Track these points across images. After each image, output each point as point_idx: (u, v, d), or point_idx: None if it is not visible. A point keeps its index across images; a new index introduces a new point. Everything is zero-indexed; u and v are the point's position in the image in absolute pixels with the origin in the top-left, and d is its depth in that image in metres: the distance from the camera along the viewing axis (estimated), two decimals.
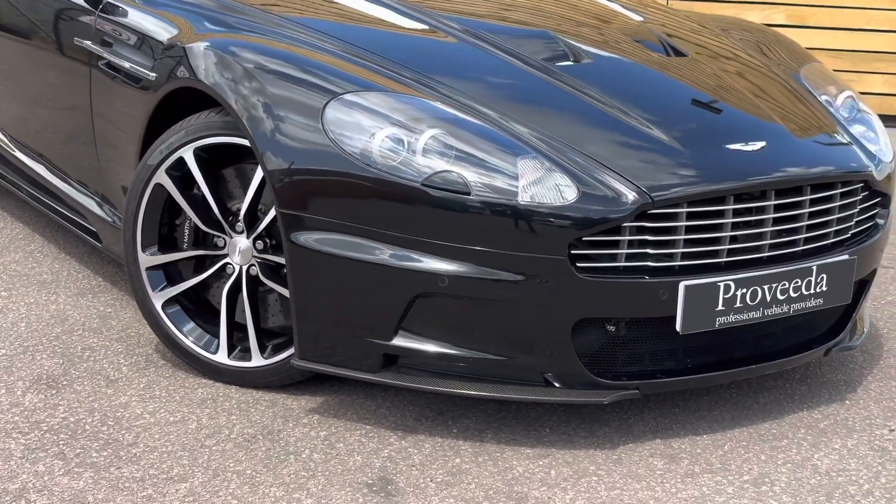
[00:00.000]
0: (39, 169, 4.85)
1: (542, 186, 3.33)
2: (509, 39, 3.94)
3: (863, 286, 3.90)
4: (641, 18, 4.40)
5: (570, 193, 3.32)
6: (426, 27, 3.99)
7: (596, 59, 3.91)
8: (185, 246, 3.84)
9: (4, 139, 5.13)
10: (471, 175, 3.31)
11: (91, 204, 4.47)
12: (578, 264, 3.33)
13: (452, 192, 3.31)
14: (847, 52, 8.42)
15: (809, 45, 8.28)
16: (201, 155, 3.73)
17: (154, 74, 3.93)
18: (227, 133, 3.66)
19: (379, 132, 3.39)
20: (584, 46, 3.97)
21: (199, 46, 3.76)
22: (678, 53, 4.06)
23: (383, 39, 3.93)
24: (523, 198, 3.30)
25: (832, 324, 3.85)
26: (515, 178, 3.32)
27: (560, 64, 3.82)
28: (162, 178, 3.78)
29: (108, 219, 4.33)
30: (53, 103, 4.66)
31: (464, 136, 3.39)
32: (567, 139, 3.46)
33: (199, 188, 3.76)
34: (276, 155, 3.46)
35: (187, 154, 3.72)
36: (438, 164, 3.34)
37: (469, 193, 3.30)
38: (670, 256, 3.40)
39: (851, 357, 4.20)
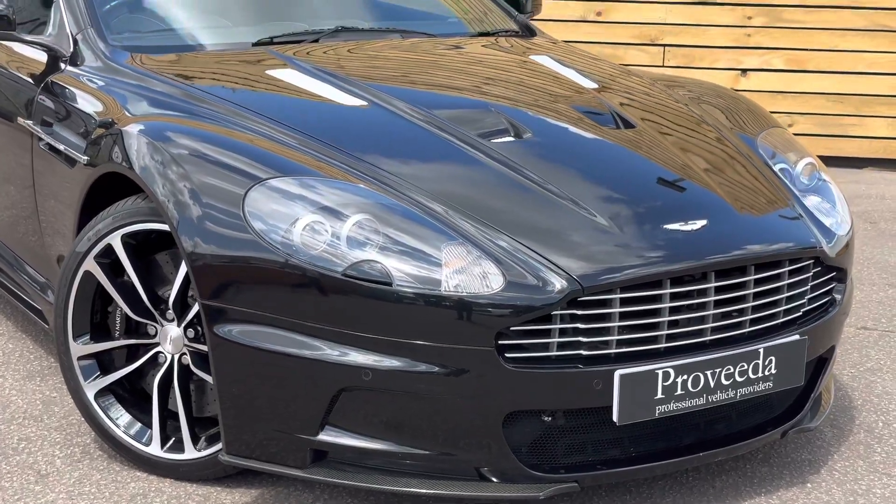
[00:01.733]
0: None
1: (468, 275, 3.20)
2: (451, 115, 3.80)
3: (822, 363, 3.73)
4: (596, 86, 4.25)
5: (496, 282, 3.18)
6: (364, 103, 3.86)
7: (537, 133, 3.76)
8: (117, 334, 3.73)
9: None
10: (394, 264, 3.18)
11: (35, 283, 4.38)
12: (507, 355, 3.18)
13: (374, 283, 3.18)
14: (848, 95, 8.26)
15: (809, 89, 8.13)
16: (130, 242, 3.62)
17: (86, 158, 3.84)
18: (154, 220, 3.55)
19: (301, 220, 3.27)
20: (527, 121, 3.83)
21: (127, 130, 3.66)
22: (627, 125, 3.91)
23: (317, 118, 3.81)
24: (447, 287, 3.17)
25: (790, 403, 3.68)
26: (440, 266, 3.19)
27: (498, 140, 3.68)
28: (91, 265, 3.67)
29: (50, 299, 4.23)
30: (7, 183, 4.58)
31: (390, 221, 3.26)
32: (496, 222, 3.33)
33: (128, 275, 3.65)
34: (198, 244, 3.34)
35: (115, 241, 3.62)
36: (361, 253, 3.21)
37: (391, 284, 3.17)
38: (605, 344, 3.25)
39: (819, 432, 4.03)
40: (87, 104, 4.01)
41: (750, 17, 8.13)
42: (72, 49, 4.28)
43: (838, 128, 8.18)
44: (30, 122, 4.22)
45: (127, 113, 3.83)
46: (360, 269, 3.20)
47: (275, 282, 3.28)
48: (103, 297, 3.73)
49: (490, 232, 3.29)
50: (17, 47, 4.56)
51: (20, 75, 4.47)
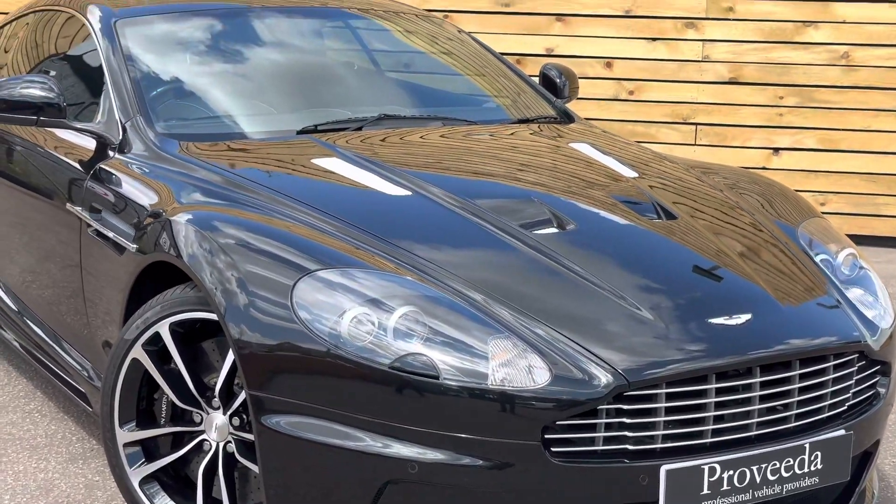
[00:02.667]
0: (35, 325, 4.83)
1: (514, 368, 3.22)
2: (493, 205, 3.84)
3: (867, 457, 3.73)
4: (636, 175, 4.29)
5: (542, 376, 3.20)
6: (408, 192, 3.90)
7: (581, 225, 3.79)
8: (162, 421, 3.76)
9: (2, 293, 5.13)
10: (440, 357, 3.21)
11: (79, 366, 4.42)
12: (553, 449, 3.20)
13: (421, 376, 3.20)
14: (881, 175, 8.28)
15: (842, 168, 8.15)
16: (177, 329, 3.66)
17: (135, 246, 3.88)
18: (202, 308, 3.59)
19: (348, 312, 3.30)
20: (569, 211, 3.86)
21: (175, 219, 3.71)
22: (668, 215, 3.94)
23: (362, 207, 3.85)
24: (494, 381, 3.19)
25: (835, 498, 3.67)
26: (486, 359, 3.21)
27: (540, 231, 3.71)
28: (138, 353, 3.71)
29: (96, 383, 4.27)
30: (50, 262, 4.64)
31: (436, 313, 3.29)
32: (540, 314, 3.35)
33: (175, 363, 3.68)
34: (245, 332, 3.38)
35: (163, 329, 3.66)
36: (408, 345, 3.24)
37: (438, 377, 3.20)
38: (651, 438, 3.26)
39: None
40: (137, 192, 4.06)
41: (781, 97, 8.18)
42: (121, 136, 4.35)
43: (871, 207, 8.19)
44: (78, 209, 4.28)
45: (175, 201, 3.88)
46: (407, 362, 3.22)
47: (321, 372, 3.30)
48: (150, 383, 3.76)
49: (534, 324, 3.31)
50: (65, 133, 4.63)
51: (69, 161, 4.54)
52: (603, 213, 3.93)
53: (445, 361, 3.21)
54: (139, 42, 4.73)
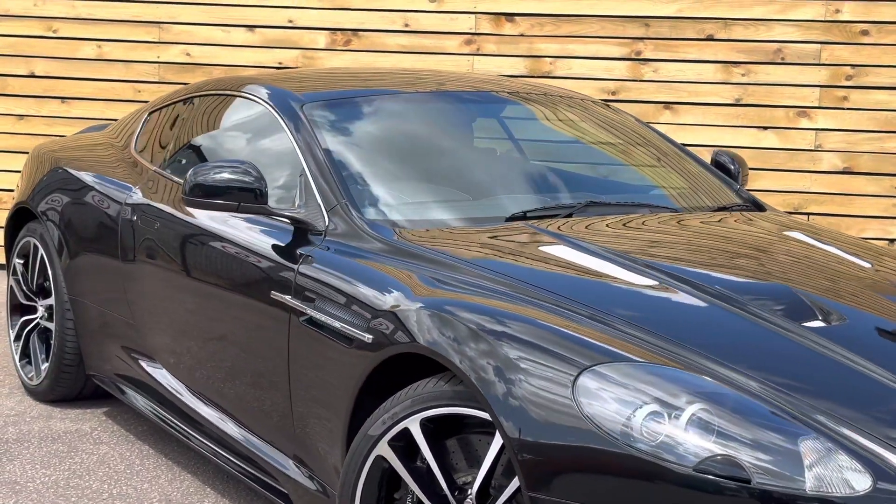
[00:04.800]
0: (214, 418, 4.63)
1: (829, 472, 3.03)
2: (748, 296, 3.68)
3: None
4: (869, 265, 4.14)
5: (861, 482, 3.02)
6: (654, 283, 3.75)
7: (847, 316, 3.63)
8: None
9: (174, 385, 4.94)
10: (749, 460, 3.03)
11: (280, 463, 4.22)
12: None
13: (729, 479, 3.02)
14: None
15: None
16: (427, 425, 3.48)
17: (369, 337, 3.71)
18: (459, 404, 3.41)
19: (641, 408, 3.12)
20: (827, 302, 3.71)
21: (420, 308, 3.54)
22: None
23: (612, 297, 3.69)
24: (810, 486, 3.01)
25: None
26: (799, 462, 3.03)
27: (809, 324, 3.55)
28: (384, 449, 3.53)
29: (303, 481, 4.07)
30: (243, 356, 4.44)
31: (728, 411, 3.12)
32: (838, 413, 3.18)
33: (422, 460, 3.50)
34: (524, 432, 3.20)
35: (413, 425, 3.48)
36: (707, 444, 3.06)
37: (749, 481, 3.01)
38: None
39: None
40: (365, 280, 3.88)
41: None
42: (327, 223, 4.19)
43: None
44: (287, 297, 4.10)
45: (415, 289, 3.71)
46: (712, 464, 3.04)
47: (612, 473, 3.12)
48: (389, 483, 3.58)
49: (836, 424, 3.14)
50: (254, 219, 4.47)
51: (265, 248, 4.35)
52: (864, 305, 3.77)
53: (756, 465, 3.02)
54: (329, 126, 4.60)
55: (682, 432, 3.08)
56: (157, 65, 8.66)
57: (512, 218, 4.29)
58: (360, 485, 3.57)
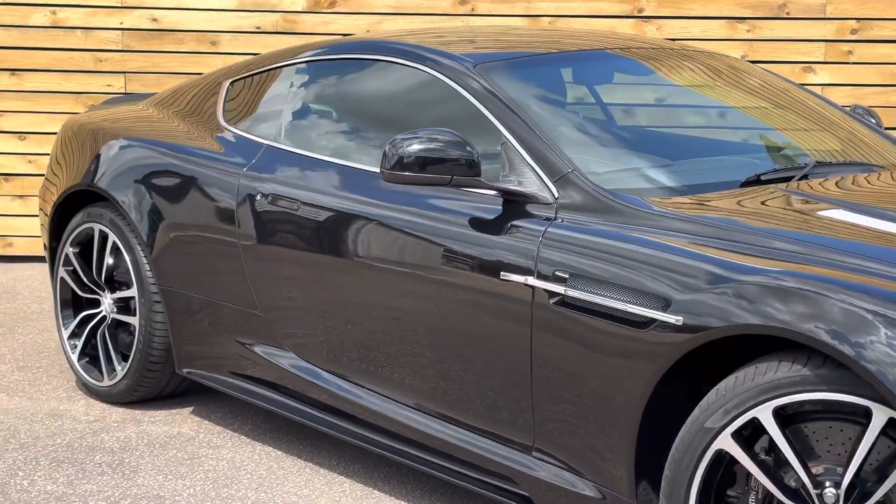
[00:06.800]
0: (401, 415, 4.19)
1: None
2: None
3: None
4: None
5: None
6: None
7: None
8: None
9: (328, 380, 4.46)
10: None
11: (521, 462, 3.82)
12: None
13: None
14: None
15: None
16: (779, 413, 3.16)
17: (678, 318, 3.34)
18: (826, 389, 3.09)
19: None
20: None
21: (766, 283, 3.20)
22: None
23: None
24: None
25: None
26: None
27: None
28: (726, 443, 3.21)
29: (557, 482, 3.70)
30: (456, 346, 3.98)
31: None
32: None
33: (766, 451, 3.19)
34: None
35: (764, 414, 3.16)
36: None
37: None
38: None
39: None
40: (651, 256, 3.51)
41: None
42: (556, 194, 3.80)
43: None
44: (529, 279, 3.70)
45: (732, 263, 3.34)
46: None
47: None
48: (723, 478, 3.26)
49: None
50: (444, 193, 4.04)
51: (470, 226, 3.93)
52: None
53: None
54: (516, 90, 4.19)
55: None
56: (119, 31, 7.98)
57: (746, 182, 3.97)
58: (695, 483, 3.25)
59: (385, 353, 4.23)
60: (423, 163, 3.83)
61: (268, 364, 4.68)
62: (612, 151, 4.26)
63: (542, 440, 3.77)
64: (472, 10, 7.97)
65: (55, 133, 7.85)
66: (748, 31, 7.96)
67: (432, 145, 3.83)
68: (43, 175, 7.92)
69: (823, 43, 7.99)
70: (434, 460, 4.08)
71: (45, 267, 7.68)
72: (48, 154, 7.95)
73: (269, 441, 4.89)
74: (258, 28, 7.94)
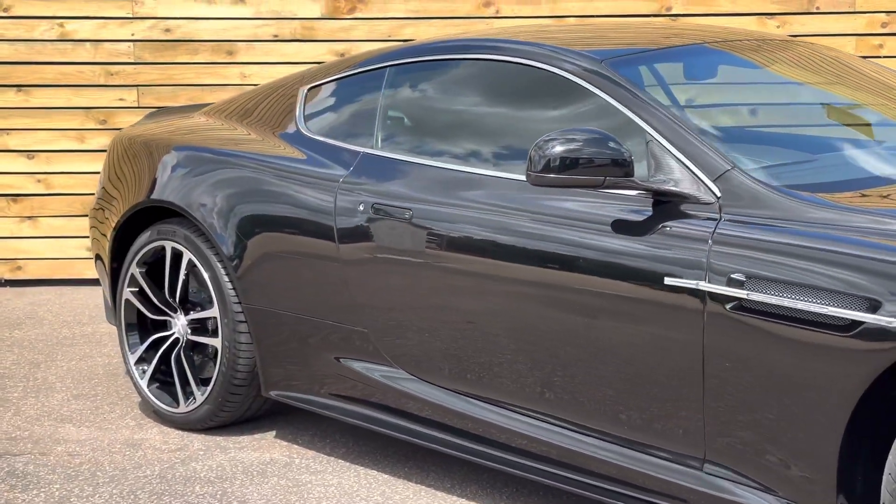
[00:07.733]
0: (549, 434, 3.97)
1: None
2: None
3: None
4: None
5: None
6: None
7: None
8: None
9: (446, 399, 4.22)
10: None
11: (690, 477, 3.61)
12: None
13: None
14: None
15: None
16: None
17: (893, 320, 3.15)
18: None
19: None
20: None
21: None
22: None
23: None
24: None
25: None
26: None
27: None
28: None
29: (733, 498, 3.50)
30: (608, 357, 3.77)
31: None
32: None
33: None
34: None
35: None
36: None
37: None
38: None
39: None
40: (846, 256, 3.30)
41: None
42: (718, 193, 3.60)
43: None
44: (700, 283, 3.49)
45: None
46: None
47: None
48: None
49: None
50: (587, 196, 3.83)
51: (621, 229, 3.72)
52: None
53: None
54: (649, 86, 4.00)
55: None
56: (131, 43, 7.66)
57: None
58: None
59: (517, 370, 4.00)
60: (572, 164, 3.62)
61: (376, 383, 4.42)
62: (751, 147, 4.08)
63: (714, 453, 3.56)
64: (497, 12, 7.76)
65: (65, 151, 7.69)
66: (778, 26, 7.83)
67: (580, 146, 3.62)
68: (52, 194, 7.69)
69: (854, 37, 7.89)
70: (588, 481, 3.86)
71: (63, 290, 7.46)
72: (58, 172, 7.71)
73: (369, 464, 4.63)
74: (276, 36, 7.67)
